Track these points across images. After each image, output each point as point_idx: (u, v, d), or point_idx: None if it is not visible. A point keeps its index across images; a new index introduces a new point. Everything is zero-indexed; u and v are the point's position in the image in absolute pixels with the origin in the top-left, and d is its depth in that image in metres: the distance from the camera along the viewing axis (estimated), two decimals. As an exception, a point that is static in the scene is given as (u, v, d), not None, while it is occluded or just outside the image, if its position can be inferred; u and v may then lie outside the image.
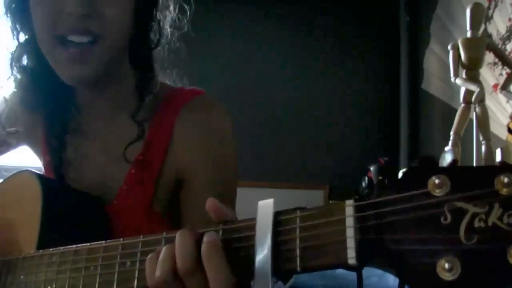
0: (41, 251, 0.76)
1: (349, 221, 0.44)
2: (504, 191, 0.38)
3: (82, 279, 0.68)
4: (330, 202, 2.71)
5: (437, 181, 0.40)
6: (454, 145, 1.70)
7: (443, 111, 2.76)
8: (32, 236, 0.80)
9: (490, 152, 1.62)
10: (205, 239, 0.52)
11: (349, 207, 0.45)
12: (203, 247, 0.52)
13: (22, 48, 0.89)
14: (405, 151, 3.14)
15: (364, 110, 3.34)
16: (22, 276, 0.78)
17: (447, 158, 0.41)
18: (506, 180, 0.37)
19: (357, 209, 0.45)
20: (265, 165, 3.26)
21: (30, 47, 0.87)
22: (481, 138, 1.72)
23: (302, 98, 3.35)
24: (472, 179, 0.39)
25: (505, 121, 2.15)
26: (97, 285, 0.66)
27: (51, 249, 0.74)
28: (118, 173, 0.90)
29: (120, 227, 0.87)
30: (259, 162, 3.24)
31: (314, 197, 3.17)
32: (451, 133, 1.79)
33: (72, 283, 0.69)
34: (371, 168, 2.67)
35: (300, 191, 3.16)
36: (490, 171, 0.38)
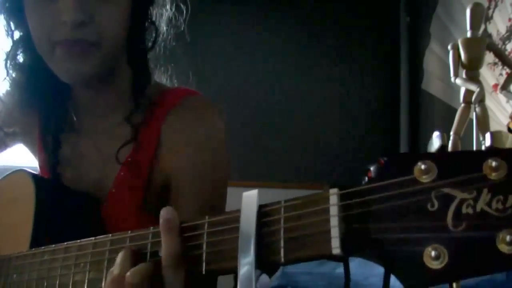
0: (33, 249, 0.76)
1: (333, 210, 0.43)
2: (492, 175, 0.36)
3: (72, 276, 0.68)
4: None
5: (423, 166, 0.39)
6: (454, 145, 1.69)
7: (443, 111, 2.75)
8: (25, 236, 0.79)
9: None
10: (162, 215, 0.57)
11: (333, 195, 0.43)
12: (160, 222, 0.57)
13: (17, 45, 0.88)
14: (405, 151, 3.12)
15: (364, 110, 3.33)
16: (15, 275, 0.78)
17: (435, 144, 0.39)
18: (494, 164, 0.36)
19: (342, 197, 0.43)
20: (264, 165, 3.24)
21: (26, 44, 0.87)
22: (481, 138, 1.70)
23: (302, 97, 3.34)
24: (460, 164, 0.38)
25: (505, 121, 2.14)
26: (86, 282, 0.66)
27: (42, 247, 0.74)
28: (110, 174, 0.89)
29: (112, 228, 0.85)
30: (259, 161, 3.23)
31: (314, 198, 3.14)
32: (451, 133, 1.78)
33: (62, 281, 0.69)
34: (371, 168, 2.63)
35: (300, 191, 3.12)
36: (478, 155, 0.37)
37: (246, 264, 0.47)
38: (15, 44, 0.88)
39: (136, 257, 0.59)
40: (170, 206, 0.58)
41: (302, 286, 1.94)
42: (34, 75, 0.89)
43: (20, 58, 0.90)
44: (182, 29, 0.97)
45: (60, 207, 0.85)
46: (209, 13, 3.27)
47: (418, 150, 3.01)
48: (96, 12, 0.77)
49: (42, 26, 0.78)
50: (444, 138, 0.40)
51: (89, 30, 0.77)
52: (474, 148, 1.71)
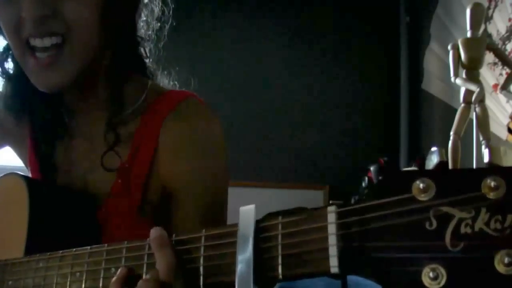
0: (28, 256, 0.76)
1: (331, 228, 0.42)
2: (491, 195, 0.36)
3: (69, 285, 0.68)
4: (330, 202, 2.70)
5: (421, 185, 0.38)
6: (454, 145, 1.68)
7: (443, 111, 2.75)
8: (20, 240, 0.79)
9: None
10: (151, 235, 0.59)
11: (332, 213, 0.43)
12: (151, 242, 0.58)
13: (3, 54, 0.87)
14: (405, 151, 3.13)
15: (364, 110, 3.33)
16: (10, 282, 0.77)
17: (433, 160, 0.39)
18: (493, 184, 0.35)
19: (340, 215, 0.43)
20: (265, 165, 3.24)
21: (9, 53, 0.86)
22: (481, 138, 1.70)
23: (302, 98, 3.35)
24: (458, 183, 0.37)
25: (505, 121, 2.14)
26: (82, 291, 0.66)
27: (37, 255, 0.74)
28: (106, 179, 0.87)
29: (109, 233, 0.85)
30: (260, 162, 3.23)
31: (314, 197, 3.14)
32: (451, 133, 1.77)
33: (58, 289, 0.69)
34: (371, 168, 2.65)
35: (300, 191, 3.14)
36: (477, 174, 0.37)
37: (244, 280, 0.47)
38: (2, 53, 0.87)
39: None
40: (159, 227, 0.60)
41: (302, 286, 1.93)
42: (23, 84, 0.86)
43: (8, 67, 0.89)
44: (170, 20, 0.95)
45: (55, 211, 0.84)
46: (209, 12, 3.27)
47: (418, 150, 3.01)
48: (59, 5, 0.75)
49: (9, 25, 0.77)
50: (442, 154, 0.40)
51: (54, 23, 0.75)
52: (474, 149, 1.71)
